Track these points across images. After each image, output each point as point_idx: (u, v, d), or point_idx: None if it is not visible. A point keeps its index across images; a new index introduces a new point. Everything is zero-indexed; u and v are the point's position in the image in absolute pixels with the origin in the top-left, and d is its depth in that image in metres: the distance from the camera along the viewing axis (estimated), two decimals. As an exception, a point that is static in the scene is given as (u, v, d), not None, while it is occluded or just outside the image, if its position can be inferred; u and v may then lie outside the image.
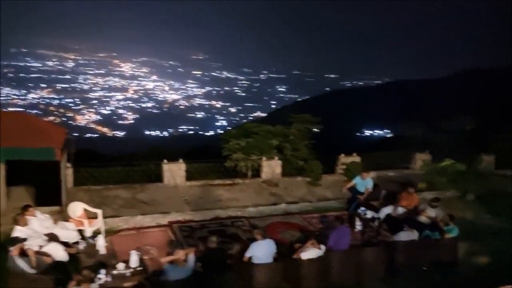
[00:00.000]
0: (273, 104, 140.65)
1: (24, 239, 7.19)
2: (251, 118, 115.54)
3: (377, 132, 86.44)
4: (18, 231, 7.52)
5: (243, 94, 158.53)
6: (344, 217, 10.09)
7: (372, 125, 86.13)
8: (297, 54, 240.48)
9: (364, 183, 11.98)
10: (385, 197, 12.62)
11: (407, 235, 9.46)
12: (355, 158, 18.80)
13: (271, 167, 17.80)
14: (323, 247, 8.29)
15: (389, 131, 79.04)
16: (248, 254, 7.78)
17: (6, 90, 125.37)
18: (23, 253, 6.99)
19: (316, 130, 20.92)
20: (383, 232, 10.93)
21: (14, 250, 6.78)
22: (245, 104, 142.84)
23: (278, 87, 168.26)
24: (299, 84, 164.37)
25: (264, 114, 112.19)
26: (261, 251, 7.73)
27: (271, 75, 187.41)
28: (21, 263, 6.74)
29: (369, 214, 11.04)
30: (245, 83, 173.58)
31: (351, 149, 20.34)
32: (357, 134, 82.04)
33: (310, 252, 8.08)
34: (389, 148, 25.82)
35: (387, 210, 11.30)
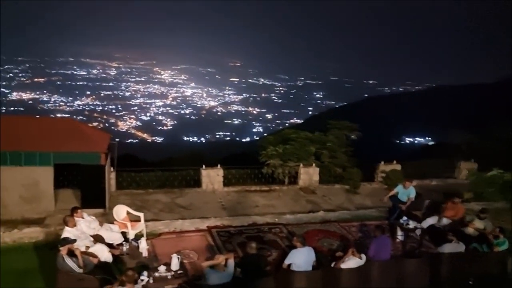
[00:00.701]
0: (310, 110, 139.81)
1: (73, 240, 7.49)
2: (287, 124, 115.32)
3: (418, 139, 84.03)
4: (67, 232, 7.84)
5: (280, 100, 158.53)
6: (385, 227, 9.86)
7: (412, 132, 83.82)
8: (335, 60, 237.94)
9: (407, 192, 11.67)
10: (428, 207, 12.23)
11: (452, 247, 9.10)
12: (395, 166, 18.39)
13: (309, 174, 17.70)
14: (363, 256, 8.14)
15: (431, 138, 76.76)
16: (287, 261, 7.75)
17: (54, 97, 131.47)
18: (72, 253, 7.30)
19: (354, 137, 20.65)
20: (425, 243, 10.61)
21: (63, 250, 7.07)
22: (282, 110, 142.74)
23: (315, 93, 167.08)
24: (337, 90, 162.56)
25: (300, 121, 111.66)
26: (301, 259, 7.68)
27: (308, 81, 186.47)
28: (70, 263, 7.03)
29: (411, 224, 10.70)
30: (281, 89, 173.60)
31: (390, 156, 19.94)
32: (397, 141, 79.96)
33: (351, 262, 7.95)
34: (431, 156, 25.08)
35: (430, 220, 10.95)
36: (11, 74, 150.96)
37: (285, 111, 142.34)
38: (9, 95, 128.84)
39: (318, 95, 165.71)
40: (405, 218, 10.93)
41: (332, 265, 8.20)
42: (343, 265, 7.94)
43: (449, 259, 8.86)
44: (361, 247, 8.58)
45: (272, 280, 7.36)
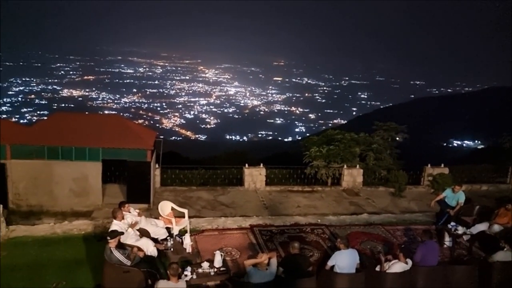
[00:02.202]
0: (354, 111, 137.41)
1: (121, 233, 7.72)
2: (331, 124, 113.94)
3: (467, 143, 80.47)
4: (115, 225, 8.09)
5: (323, 100, 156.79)
6: (433, 232, 9.48)
7: (461, 135, 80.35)
8: (382, 60, 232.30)
9: (456, 196, 11.18)
10: (479, 212, 11.66)
11: (505, 255, 8.64)
12: (443, 170, 17.72)
13: (352, 176, 17.38)
14: (409, 261, 7.87)
15: (480, 142, 73.36)
16: (330, 262, 7.62)
17: (102, 95, 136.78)
18: (119, 246, 7.52)
19: (400, 139, 20.09)
20: (475, 250, 10.14)
21: (112, 242, 7.30)
22: (325, 110, 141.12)
23: (360, 93, 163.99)
24: (383, 91, 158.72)
25: (344, 121, 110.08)
26: (344, 261, 7.53)
27: (353, 81, 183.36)
28: (117, 255, 7.24)
29: (460, 230, 10.24)
30: (325, 89, 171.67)
31: (438, 160, 19.28)
32: (445, 144, 76.89)
33: (396, 266, 7.71)
34: (480, 160, 23.90)
35: (481, 227, 10.43)
36: (62, 72, 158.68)
37: (328, 111, 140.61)
38: (60, 92, 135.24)
39: (363, 96, 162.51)
40: (453, 223, 10.48)
41: (377, 268, 7.96)
42: (389, 269, 7.71)
43: (500, 267, 8.41)
44: (406, 252, 8.29)
45: (315, 281, 7.26)
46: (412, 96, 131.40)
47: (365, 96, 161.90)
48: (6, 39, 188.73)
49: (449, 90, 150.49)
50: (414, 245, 9.62)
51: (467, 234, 10.27)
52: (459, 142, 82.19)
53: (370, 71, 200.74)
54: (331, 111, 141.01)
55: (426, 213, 13.28)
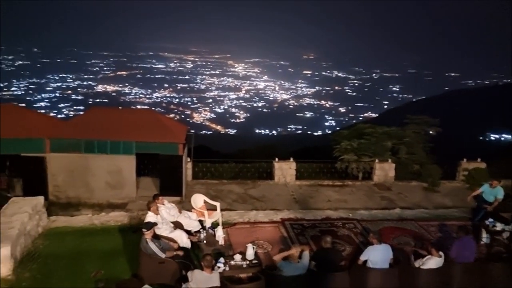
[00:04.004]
0: (385, 104, 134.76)
1: (155, 224, 7.93)
2: (361, 118, 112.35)
3: (505, 136, 77.50)
4: (150, 217, 8.30)
5: (354, 93, 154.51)
6: (469, 228, 9.25)
7: (498, 129, 77.41)
8: (414, 51, 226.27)
9: (493, 192, 10.84)
10: (518, 209, 11.28)
11: (545, 254, 8.35)
12: (480, 164, 17.23)
13: (384, 170, 17.15)
14: (442, 254, 7.70)
15: (520, 135, 70.62)
16: (363, 257, 7.57)
17: (135, 90, 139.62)
18: (154, 237, 7.73)
19: (434, 132, 19.65)
20: (514, 247, 9.82)
21: (147, 234, 7.52)
22: (355, 104, 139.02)
23: (391, 86, 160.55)
24: (415, 83, 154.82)
25: (375, 115, 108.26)
26: (377, 256, 7.47)
27: (384, 74, 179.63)
28: (152, 246, 7.45)
29: (499, 226, 9.94)
30: (356, 82, 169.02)
31: (474, 154, 18.75)
32: (481, 138, 74.33)
33: (431, 261, 7.58)
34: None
35: (521, 223, 10.09)
36: (97, 68, 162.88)
37: (359, 104, 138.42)
38: (95, 87, 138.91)
39: (394, 88, 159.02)
40: (491, 219, 10.19)
41: (416, 264, 7.81)
42: (423, 265, 7.59)
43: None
44: (441, 248, 8.12)
45: (347, 275, 7.24)
46: (447, 88, 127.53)
47: (397, 89, 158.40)
48: (43, 38, 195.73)
49: (486, 82, 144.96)
50: (449, 241, 9.41)
51: (507, 231, 9.96)
52: (496, 136, 79.30)
53: (401, 63, 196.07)
54: (362, 104, 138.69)
55: (461, 209, 12.96)
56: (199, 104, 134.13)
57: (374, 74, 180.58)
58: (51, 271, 7.93)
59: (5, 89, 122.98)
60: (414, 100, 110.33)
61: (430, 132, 19.59)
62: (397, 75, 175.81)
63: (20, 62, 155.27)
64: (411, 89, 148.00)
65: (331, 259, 7.50)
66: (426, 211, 13.06)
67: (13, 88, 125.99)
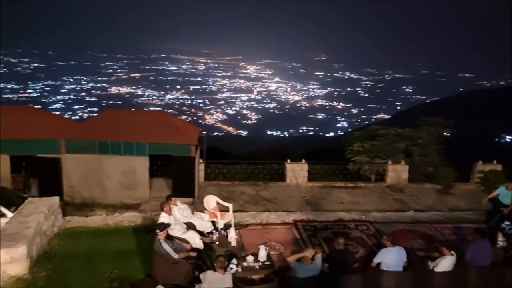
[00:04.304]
0: (398, 105, 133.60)
1: (168, 224, 7.99)
2: (374, 119, 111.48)
3: (521, 138, 76.16)
4: (164, 218, 8.37)
5: (366, 95, 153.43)
6: (484, 231, 9.12)
7: (514, 130, 76.08)
8: (427, 52, 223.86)
9: (510, 194, 10.69)
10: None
11: None
12: (495, 166, 17.01)
13: (397, 172, 17.05)
14: (453, 252, 7.61)
15: (536, 137, 69.38)
16: (376, 260, 7.52)
17: (147, 91, 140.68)
18: (168, 237, 7.79)
19: (447, 134, 19.44)
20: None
21: (161, 234, 7.58)
22: (368, 105, 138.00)
23: (404, 87, 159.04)
24: (428, 84, 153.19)
25: (387, 116, 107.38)
26: (391, 259, 7.41)
27: (396, 75, 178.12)
28: (166, 247, 7.51)
29: (515, 229, 9.79)
30: (368, 84, 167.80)
31: (489, 156, 18.51)
32: (496, 139, 73.20)
33: (444, 261, 7.48)
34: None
35: (539, 227, 9.91)
36: (110, 70, 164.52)
37: (371, 106, 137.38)
38: (109, 89, 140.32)
39: (407, 90, 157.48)
40: (507, 222, 10.04)
41: (430, 266, 7.72)
42: (437, 267, 7.51)
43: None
44: (456, 251, 8.03)
45: (360, 277, 7.21)
46: (461, 89, 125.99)
47: (410, 90, 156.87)
48: (58, 41, 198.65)
49: (501, 83, 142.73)
50: (464, 244, 9.30)
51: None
52: (512, 137, 78.02)
53: (414, 64, 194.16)
54: (374, 105, 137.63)
55: (476, 211, 12.80)
56: (211, 106, 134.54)
57: (387, 75, 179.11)
58: (67, 270, 8.04)
59: (21, 91, 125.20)
60: (427, 101, 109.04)
61: (444, 133, 19.40)
62: (410, 76, 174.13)
63: (35, 64, 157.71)
64: (424, 90, 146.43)
65: (344, 261, 7.46)
66: (440, 213, 12.90)
67: (29, 90, 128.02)
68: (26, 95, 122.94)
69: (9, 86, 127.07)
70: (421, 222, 11.59)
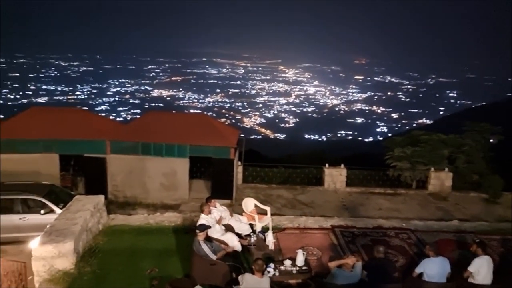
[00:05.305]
0: (441, 110, 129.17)
1: (209, 226, 8.12)
2: (415, 125, 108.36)
3: None
4: (203, 219, 8.51)
5: (407, 99, 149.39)
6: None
7: None
8: (473, 56, 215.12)
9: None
10: None
11: None
12: (547, 176, 16.11)
13: (440, 179, 16.52)
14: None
15: None
16: (418, 270, 7.30)
17: (188, 94, 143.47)
18: (207, 239, 7.92)
19: (495, 141, 18.65)
20: None
21: (201, 235, 7.72)
22: (409, 110, 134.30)
23: (448, 92, 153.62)
24: (474, 89, 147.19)
25: (430, 121, 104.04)
26: (434, 269, 7.17)
27: (440, 79, 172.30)
28: (205, 247, 7.64)
29: None
30: (410, 88, 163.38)
31: (541, 164, 17.57)
32: (549, 147, 69.17)
33: (477, 261, 7.20)
34: None
35: None
36: (153, 74, 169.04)
37: (413, 110, 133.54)
38: (151, 92, 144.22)
39: (451, 94, 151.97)
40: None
41: (471, 269, 7.43)
42: (471, 267, 7.21)
43: None
44: (482, 245, 7.69)
45: (401, 287, 7.04)
46: (509, 94, 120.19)
47: (454, 95, 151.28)
48: (106, 45, 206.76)
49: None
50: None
51: None
52: None
53: (460, 67, 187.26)
54: (416, 110, 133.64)
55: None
56: (249, 109, 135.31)
57: (430, 79, 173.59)
58: (110, 266, 8.33)
59: (70, 93, 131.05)
60: (473, 106, 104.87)
61: (491, 140, 18.62)
62: (454, 80, 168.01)
63: (84, 68, 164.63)
64: (469, 95, 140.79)
65: (384, 269, 7.30)
66: (486, 224, 12.36)
67: (77, 93, 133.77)
68: (75, 97, 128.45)
69: (59, 88, 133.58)
70: (466, 232, 11.14)
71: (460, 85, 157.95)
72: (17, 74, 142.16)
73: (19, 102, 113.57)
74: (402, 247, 9.89)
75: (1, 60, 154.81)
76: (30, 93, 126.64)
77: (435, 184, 16.55)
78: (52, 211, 10.83)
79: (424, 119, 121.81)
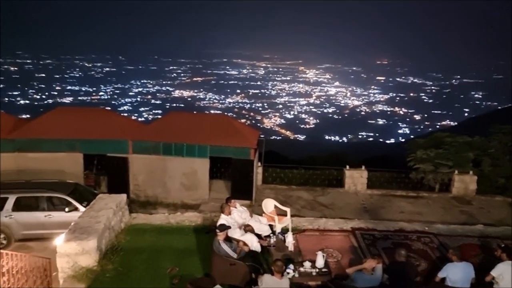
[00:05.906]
0: (466, 112, 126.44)
1: (229, 227, 8.17)
2: (438, 126, 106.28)
3: None
4: (223, 219, 8.57)
5: (430, 100, 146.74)
6: None
7: None
8: (500, 56, 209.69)
9: None
10: None
11: None
12: None
13: (465, 183, 16.17)
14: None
15: None
16: (441, 274, 7.16)
17: (209, 95, 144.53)
18: (227, 239, 7.96)
19: (522, 144, 18.14)
20: None
21: (221, 235, 7.78)
22: (432, 111, 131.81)
23: (473, 93, 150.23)
24: (501, 90, 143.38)
25: (454, 123, 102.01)
26: (458, 274, 7.03)
27: (465, 79, 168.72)
28: (225, 247, 7.69)
29: None
30: (433, 89, 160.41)
31: None
32: None
33: (501, 266, 7.00)
34: None
35: None
36: (174, 74, 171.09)
37: (436, 112, 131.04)
38: (172, 92, 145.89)
39: (476, 95, 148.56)
40: None
41: (493, 274, 7.25)
42: (494, 271, 7.03)
43: None
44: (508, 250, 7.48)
45: (422, 292, 6.93)
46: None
47: (479, 96, 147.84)
48: (128, 46, 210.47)
49: None
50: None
51: None
52: None
53: (486, 68, 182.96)
54: (439, 112, 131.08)
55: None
56: (269, 110, 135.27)
57: (454, 80, 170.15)
58: (132, 264, 8.47)
59: (93, 93, 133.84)
60: (499, 107, 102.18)
61: (519, 143, 18.13)
62: (480, 81, 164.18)
63: (107, 69, 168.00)
64: (496, 96, 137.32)
65: (405, 273, 7.19)
66: (512, 229, 12.04)
67: (100, 93, 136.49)
68: (98, 97, 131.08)
69: (83, 89, 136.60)
70: (490, 237, 10.86)
71: (486, 86, 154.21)
72: (43, 75, 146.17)
73: (45, 102, 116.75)
74: (424, 251, 9.72)
75: (28, 61, 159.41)
76: (56, 93, 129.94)
77: (459, 187, 16.20)
78: (76, 209, 11.07)
79: (448, 120, 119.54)
